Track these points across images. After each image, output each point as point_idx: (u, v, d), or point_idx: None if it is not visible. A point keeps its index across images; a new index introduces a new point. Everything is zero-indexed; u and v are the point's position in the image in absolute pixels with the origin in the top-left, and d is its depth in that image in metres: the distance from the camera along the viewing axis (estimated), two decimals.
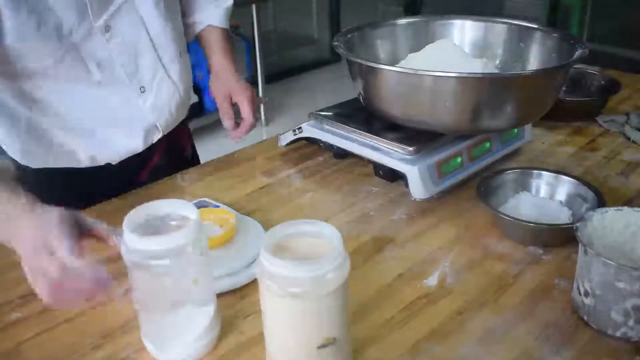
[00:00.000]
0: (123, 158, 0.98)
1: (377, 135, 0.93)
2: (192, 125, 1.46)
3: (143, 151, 1.00)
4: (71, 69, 0.86)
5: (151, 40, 0.93)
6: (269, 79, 3.49)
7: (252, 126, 1.04)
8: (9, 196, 0.71)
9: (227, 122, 1.04)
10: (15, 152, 0.95)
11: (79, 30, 0.84)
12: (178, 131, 1.08)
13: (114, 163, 0.98)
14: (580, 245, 0.65)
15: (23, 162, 0.96)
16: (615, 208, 0.70)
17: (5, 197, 0.72)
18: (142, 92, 0.94)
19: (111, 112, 0.93)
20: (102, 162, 0.97)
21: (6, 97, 0.88)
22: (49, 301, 0.63)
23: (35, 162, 0.96)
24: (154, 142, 1.00)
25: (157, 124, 0.98)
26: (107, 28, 0.87)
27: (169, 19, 0.95)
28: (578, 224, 0.68)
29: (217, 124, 2.15)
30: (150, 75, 0.95)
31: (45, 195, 0.84)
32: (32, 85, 0.86)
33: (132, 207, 0.61)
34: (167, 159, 1.07)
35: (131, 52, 0.91)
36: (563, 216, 0.83)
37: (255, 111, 1.04)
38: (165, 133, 1.01)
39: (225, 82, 1.05)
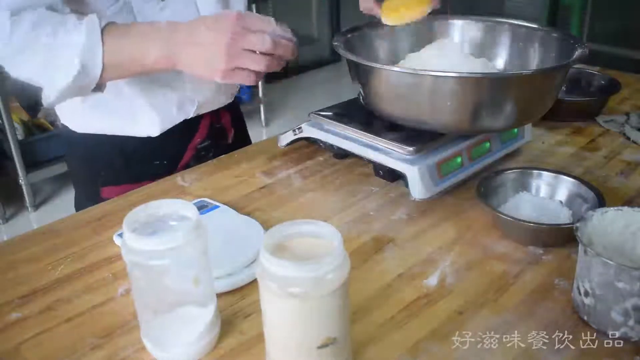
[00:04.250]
0: (158, 130, 1.02)
1: (377, 135, 0.93)
2: None
3: (183, 131, 1.05)
4: None
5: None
6: (269, 79, 3.49)
7: None
8: (149, 26, 0.83)
9: None
10: (65, 117, 1.05)
11: None
12: (219, 114, 1.12)
13: (152, 135, 1.02)
14: (580, 245, 0.65)
15: (72, 127, 1.04)
16: (615, 208, 0.70)
17: (145, 27, 0.83)
18: None
19: (153, 80, 0.98)
20: (139, 133, 1.02)
21: None
22: (265, 68, 0.78)
23: (81, 126, 1.04)
24: (188, 115, 1.03)
25: (194, 97, 1.02)
26: None
27: (223, 5, 1.00)
28: (578, 224, 0.68)
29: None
30: None
31: (91, 162, 1.05)
32: None
33: (132, 207, 0.61)
34: (211, 142, 1.11)
35: None
36: (563, 216, 0.83)
37: None
38: (201, 112, 1.05)
39: None
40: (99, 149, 1.04)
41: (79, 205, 1.08)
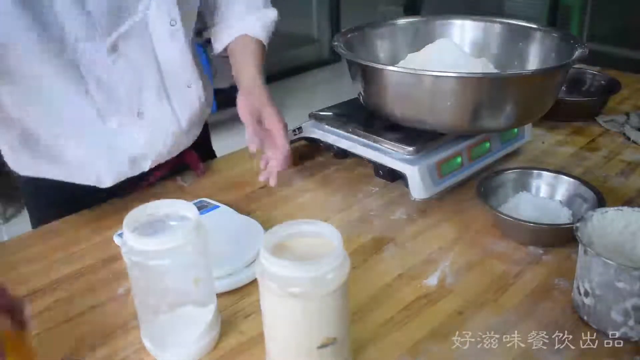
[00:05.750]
0: (110, 182, 0.90)
1: (377, 135, 0.93)
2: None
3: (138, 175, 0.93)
4: (69, 83, 0.81)
5: (159, 67, 0.88)
6: (269, 79, 3.47)
7: (288, 158, 0.90)
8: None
9: (254, 144, 0.90)
10: (8, 158, 0.92)
11: (84, 47, 0.79)
12: (183, 157, 1.00)
13: (101, 186, 0.90)
14: (580, 245, 0.65)
15: (14, 168, 0.93)
16: (615, 208, 0.70)
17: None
18: (139, 117, 0.88)
19: (102, 134, 0.87)
20: (88, 182, 0.90)
21: (5, 100, 0.84)
22: None
23: (25, 170, 0.92)
24: (143, 170, 0.92)
25: (148, 153, 0.91)
26: (114, 48, 0.82)
27: (183, 44, 0.89)
28: (578, 224, 0.68)
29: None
30: (150, 102, 0.89)
31: (33, 201, 0.94)
32: (28, 90, 0.82)
33: (132, 207, 0.61)
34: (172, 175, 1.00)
35: (135, 77, 0.86)
36: (563, 216, 0.83)
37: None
38: (157, 163, 0.94)
39: (258, 103, 0.91)
40: (44, 191, 0.95)
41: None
